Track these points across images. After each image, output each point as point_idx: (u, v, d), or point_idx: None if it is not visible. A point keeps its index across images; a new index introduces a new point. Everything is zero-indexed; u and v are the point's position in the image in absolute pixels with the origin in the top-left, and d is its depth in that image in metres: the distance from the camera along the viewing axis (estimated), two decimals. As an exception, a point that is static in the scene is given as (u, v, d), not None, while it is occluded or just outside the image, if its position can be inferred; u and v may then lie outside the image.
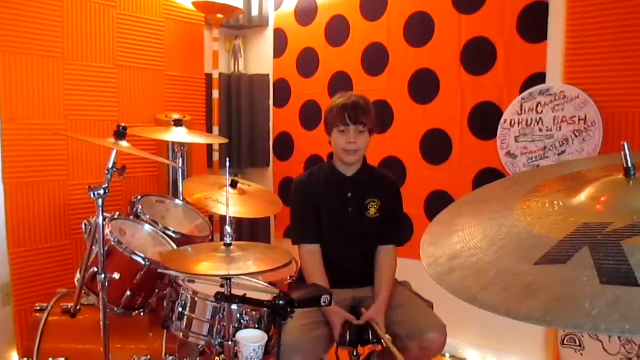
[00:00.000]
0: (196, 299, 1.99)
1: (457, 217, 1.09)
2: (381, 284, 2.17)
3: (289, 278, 2.44)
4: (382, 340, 2.01)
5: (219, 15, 3.57)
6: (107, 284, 2.01)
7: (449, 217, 1.12)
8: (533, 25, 2.84)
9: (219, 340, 1.94)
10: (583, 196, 0.94)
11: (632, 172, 0.90)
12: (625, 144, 0.90)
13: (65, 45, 3.01)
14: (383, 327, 2.03)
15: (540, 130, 2.77)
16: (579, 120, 2.65)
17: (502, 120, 2.91)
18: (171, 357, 2.16)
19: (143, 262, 2.16)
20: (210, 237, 2.76)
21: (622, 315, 0.66)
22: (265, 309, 1.93)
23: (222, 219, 2.27)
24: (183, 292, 2.01)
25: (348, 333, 2.03)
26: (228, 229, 1.79)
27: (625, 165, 0.91)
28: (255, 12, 3.99)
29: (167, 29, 3.52)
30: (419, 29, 3.26)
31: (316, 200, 2.24)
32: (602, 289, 0.70)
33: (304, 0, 3.81)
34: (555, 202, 0.97)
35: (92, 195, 1.97)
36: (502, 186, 1.25)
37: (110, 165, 2.05)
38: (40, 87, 2.92)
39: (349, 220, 2.23)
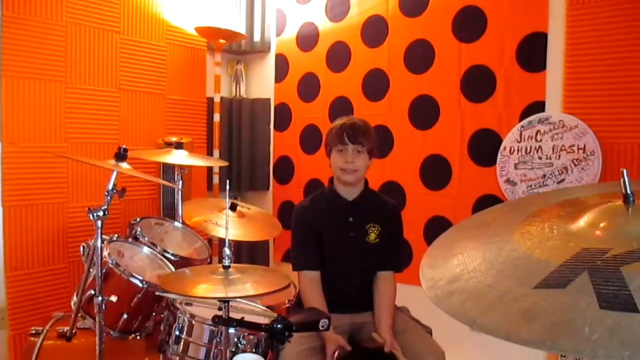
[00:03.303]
0: (193, 322, 1.97)
1: (456, 240, 1.09)
2: (382, 310, 2.15)
3: (287, 302, 2.43)
4: None
5: (221, 41, 3.61)
6: (103, 306, 2.00)
7: (449, 240, 1.12)
8: (532, 55, 2.86)
9: (216, 365, 1.92)
10: (582, 222, 0.94)
11: (631, 199, 0.91)
12: (625, 171, 0.91)
13: (68, 69, 3.03)
14: (400, 352, 1.97)
15: (540, 158, 2.78)
16: (578, 149, 2.66)
17: (501, 148, 2.92)
18: (167, 382, 2.13)
19: (141, 285, 2.15)
20: (208, 260, 2.75)
21: (622, 342, 0.65)
22: (263, 333, 1.92)
23: (221, 241, 2.26)
24: (180, 315, 2.00)
25: None
26: (227, 250, 1.78)
27: (624, 192, 0.91)
28: (257, 37, 4.04)
29: (169, 53, 3.55)
30: (420, 56, 3.29)
31: (318, 225, 2.23)
32: (601, 314, 0.70)
33: (305, 26, 3.86)
34: (555, 227, 0.97)
35: (91, 217, 1.97)
36: (501, 210, 1.26)
37: (110, 187, 2.06)
38: (42, 110, 2.93)
39: (350, 245, 2.22)
